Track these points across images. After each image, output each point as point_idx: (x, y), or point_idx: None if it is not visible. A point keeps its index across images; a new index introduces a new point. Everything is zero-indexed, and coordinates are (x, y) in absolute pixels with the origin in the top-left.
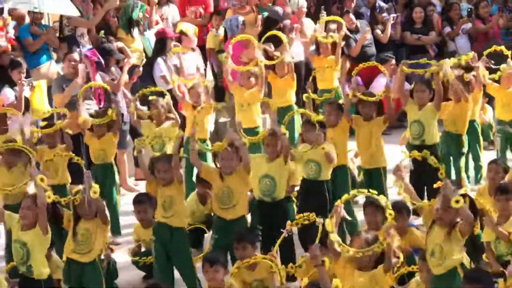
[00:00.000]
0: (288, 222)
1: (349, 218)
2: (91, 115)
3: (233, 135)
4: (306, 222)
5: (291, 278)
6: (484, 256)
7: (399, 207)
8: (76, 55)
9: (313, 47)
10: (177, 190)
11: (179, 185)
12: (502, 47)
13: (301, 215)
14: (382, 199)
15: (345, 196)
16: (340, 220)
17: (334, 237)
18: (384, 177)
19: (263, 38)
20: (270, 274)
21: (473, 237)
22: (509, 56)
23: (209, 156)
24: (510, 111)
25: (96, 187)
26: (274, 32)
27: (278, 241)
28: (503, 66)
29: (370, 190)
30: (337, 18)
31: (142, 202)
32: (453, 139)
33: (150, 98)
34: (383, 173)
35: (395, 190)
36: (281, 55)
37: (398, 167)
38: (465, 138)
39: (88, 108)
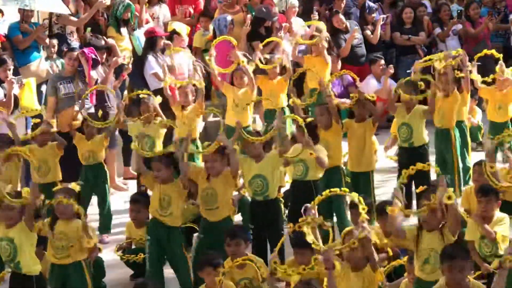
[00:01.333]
0: (290, 224)
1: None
2: (90, 116)
3: (223, 139)
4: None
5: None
6: None
7: (384, 208)
8: (76, 53)
9: (303, 47)
10: (178, 192)
11: (182, 188)
12: (493, 51)
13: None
14: (354, 196)
15: (317, 198)
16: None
17: (309, 237)
18: (372, 180)
19: (261, 44)
20: (258, 273)
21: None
22: (500, 58)
23: (199, 157)
24: (502, 113)
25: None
26: (273, 38)
27: (280, 242)
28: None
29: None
30: (316, 22)
31: (137, 201)
32: (443, 134)
33: (141, 96)
34: (371, 176)
35: (381, 191)
36: (279, 59)
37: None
38: (454, 133)
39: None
